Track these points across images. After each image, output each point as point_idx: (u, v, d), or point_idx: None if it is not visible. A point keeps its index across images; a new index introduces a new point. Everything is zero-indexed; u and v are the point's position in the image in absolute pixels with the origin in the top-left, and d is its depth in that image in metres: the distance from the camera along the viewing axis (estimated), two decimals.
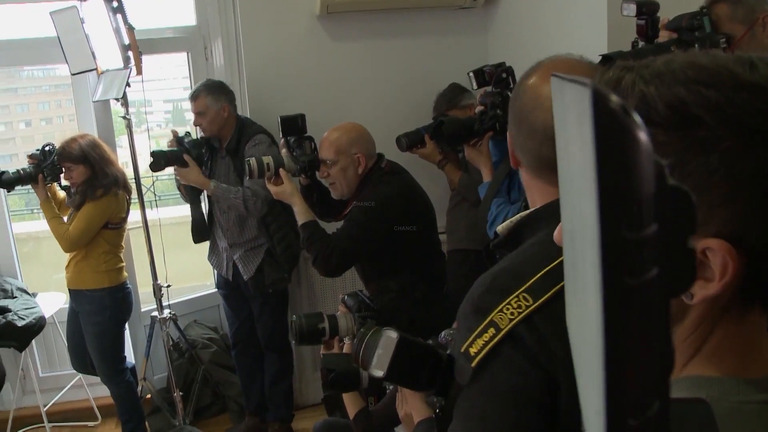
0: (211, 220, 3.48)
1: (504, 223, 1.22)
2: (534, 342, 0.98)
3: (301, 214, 2.66)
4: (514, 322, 0.98)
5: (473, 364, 0.99)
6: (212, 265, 3.59)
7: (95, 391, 3.91)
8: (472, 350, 1.00)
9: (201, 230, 3.46)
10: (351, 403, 2.18)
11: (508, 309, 0.99)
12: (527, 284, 1.02)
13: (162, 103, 8.12)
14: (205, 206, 3.55)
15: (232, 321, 3.63)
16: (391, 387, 2.11)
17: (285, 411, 3.62)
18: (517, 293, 1.00)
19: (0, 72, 3.96)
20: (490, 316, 1.00)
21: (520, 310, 0.99)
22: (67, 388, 3.91)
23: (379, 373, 1.25)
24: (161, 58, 4.31)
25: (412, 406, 1.41)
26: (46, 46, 3.81)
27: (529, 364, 0.99)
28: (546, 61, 1.24)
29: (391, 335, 1.24)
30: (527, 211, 1.19)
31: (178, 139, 3.28)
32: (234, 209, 3.29)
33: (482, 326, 1.00)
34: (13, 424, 3.88)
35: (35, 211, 4.95)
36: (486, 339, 0.99)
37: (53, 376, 4.05)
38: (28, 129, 7.31)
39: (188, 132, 3.35)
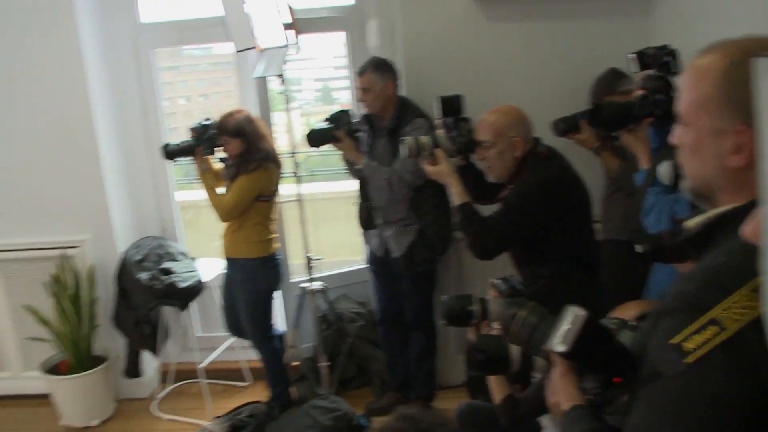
0: (364, 198, 3.53)
1: (696, 218, 1.16)
2: (759, 347, 0.92)
3: (458, 195, 2.66)
4: (741, 324, 0.94)
5: (688, 360, 0.96)
6: (365, 241, 3.65)
7: (247, 354, 4.11)
8: (688, 345, 0.97)
9: (368, 217, 3.52)
10: (497, 389, 2.16)
11: (732, 308, 0.95)
12: (753, 284, 0.94)
13: (312, 82, 8.30)
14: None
15: (380, 297, 3.68)
16: (538, 375, 2.09)
17: (427, 390, 3.65)
18: (741, 292, 0.95)
19: (164, 51, 4.19)
20: (710, 313, 0.96)
21: (747, 312, 0.94)
22: (221, 349, 4.14)
23: (562, 348, 1.24)
24: (311, 37, 4.40)
25: (563, 390, 1.38)
26: (205, 27, 4.03)
27: (743, 373, 0.94)
28: (744, 42, 1.15)
29: (580, 312, 1.23)
30: (729, 207, 1.13)
31: (332, 117, 3.35)
32: (379, 189, 3.34)
33: (701, 323, 0.96)
34: (175, 376, 4.27)
35: (193, 181, 5.24)
36: (707, 336, 0.95)
37: (209, 337, 4.31)
38: (188, 104, 7.68)
39: (345, 110, 3.39)
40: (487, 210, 2.71)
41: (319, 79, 8.15)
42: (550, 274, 2.62)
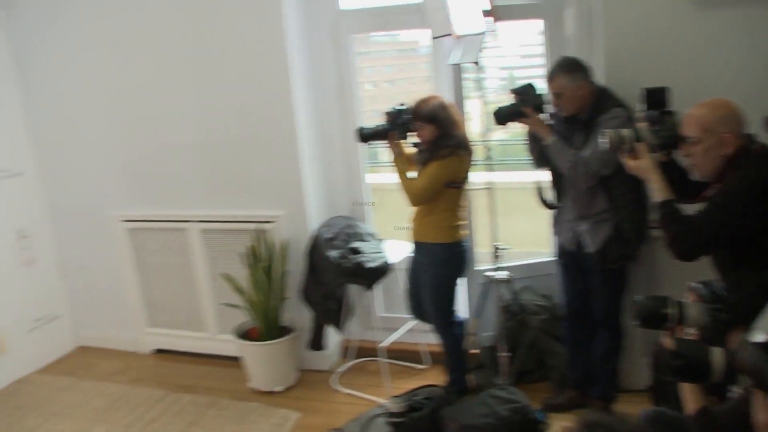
0: (559, 190, 3.45)
1: None
2: None
3: (659, 191, 2.56)
4: None
5: None
6: (555, 234, 3.55)
7: (427, 337, 4.16)
8: None
9: (550, 198, 3.46)
10: (691, 398, 2.05)
11: None
12: None
13: (497, 70, 8.25)
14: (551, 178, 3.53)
15: (566, 292, 3.58)
16: (739, 391, 1.96)
17: (608, 390, 3.53)
18: None
19: (356, 37, 4.31)
20: None
21: None
22: (402, 330, 4.24)
23: (762, 337, 1.16)
24: (506, 24, 4.34)
25: None
26: (401, 13, 4.12)
27: None
28: None
29: None
30: None
31: (517, 91, 3.29)
32: (561, 170, 3.26)
33: None
34: (356, 353, 4.46)
35: (381, 164, 5.37)
36: None
37: (391, 318, 4.41)
38: (374, 90, 7.87)
39: (530, 84, 3.32)
40: (690, 209, 2.58)
41: (505, 68, 8.09)
42: (758, 283, 2.43)
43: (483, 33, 3.51)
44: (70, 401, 4.37)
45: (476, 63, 3.56)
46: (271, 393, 4.18)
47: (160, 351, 4.95)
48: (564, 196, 3.41)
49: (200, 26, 4.20)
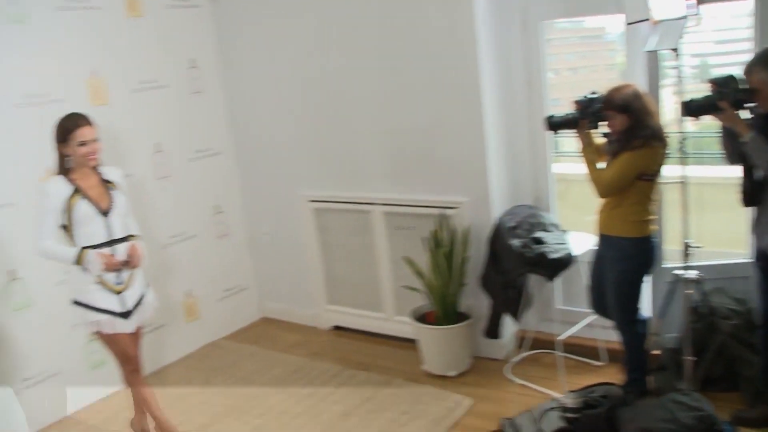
0: (763, 188, 3.18)
1: None
2: None
3: None
4: None
5: None
6: (755, 235, 3.30)
7: (607, 334, 4.04)
8: None
9: (752, 194, 3.23)
10: None
11: None
12: None
13: (689, 58, 7.82)
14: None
15: (764, 298, 3.33)
16: None
17: None
18: None
19: (544, 24, 4.24)
20: None
21: None
22: (581, 324, 4.13)
23: None
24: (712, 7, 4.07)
25: None
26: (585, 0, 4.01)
27: None
28: None
29: None
30: None
31: (717, 81, 3.09)
32: (760, 169, 3.03)
33: None
34: (531, 344, 4.43)
35: (566, 154, 5.26)
36: None
37: (570, 311, 4.34)
38: (556, 78, 7.71)
39: (732, 75, 3.09)
40: None
41: (698, 55, 7.66)
42: None
43: (684, 17, 3.33)
44: (254, 367, 4.69)
45: (675, 50, 3.38)
46: (443, 377, 4.24)
47: (338, 328, 5.16)
48: (766, 196, 3.17)
49: (390, 14, 4.30)
